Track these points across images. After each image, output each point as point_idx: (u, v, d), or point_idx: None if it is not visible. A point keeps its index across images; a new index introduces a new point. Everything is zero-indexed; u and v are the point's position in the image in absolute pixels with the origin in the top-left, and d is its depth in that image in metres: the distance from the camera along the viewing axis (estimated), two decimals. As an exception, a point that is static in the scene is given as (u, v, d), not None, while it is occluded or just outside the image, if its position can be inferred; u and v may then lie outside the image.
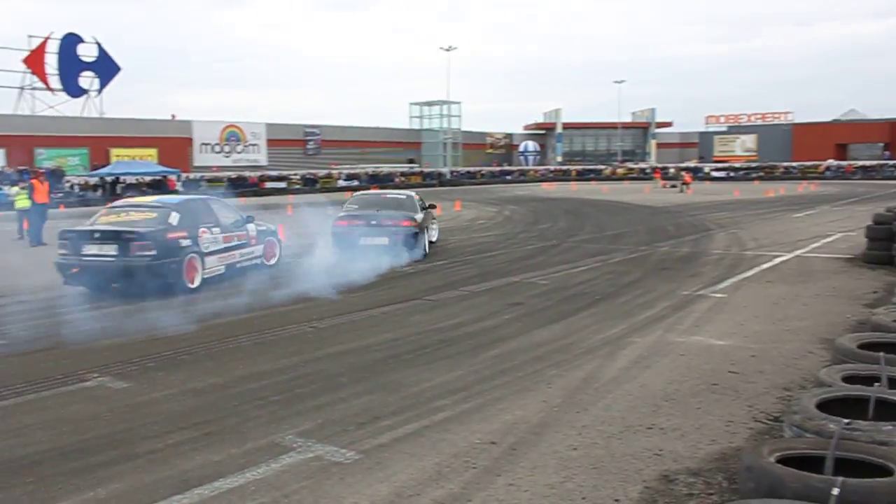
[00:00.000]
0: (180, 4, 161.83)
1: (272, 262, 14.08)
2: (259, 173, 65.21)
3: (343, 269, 12.74)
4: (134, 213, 11.75)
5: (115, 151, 59.05)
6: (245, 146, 71.40)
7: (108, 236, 10.94)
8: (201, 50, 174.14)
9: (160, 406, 5.88)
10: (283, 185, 61.18)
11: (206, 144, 68.76)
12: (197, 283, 11.37)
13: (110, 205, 12.82)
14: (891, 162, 74.63)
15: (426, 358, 7.21)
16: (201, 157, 67.86)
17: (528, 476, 4.41)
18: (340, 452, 4.82)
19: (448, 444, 4.94)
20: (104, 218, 11.67)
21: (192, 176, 61.01)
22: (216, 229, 12.13)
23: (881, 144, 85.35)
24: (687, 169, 66.29)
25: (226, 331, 8.53)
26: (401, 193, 16.86)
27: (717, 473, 4.40)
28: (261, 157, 72.30)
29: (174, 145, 64.79)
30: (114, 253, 10.75)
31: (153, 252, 10.73)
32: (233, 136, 70.54)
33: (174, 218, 11.37)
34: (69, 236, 11.18)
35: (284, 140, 73.85)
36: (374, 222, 14.54)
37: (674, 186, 53.30)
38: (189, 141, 67.21)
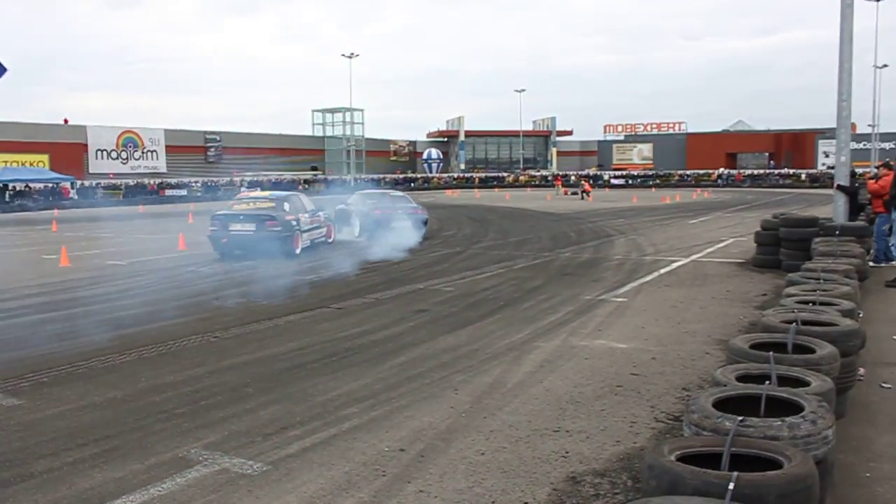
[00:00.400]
0: (69, 4, 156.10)
1: (330, 240, 18.82)
2: (159, 180, 63.40)
3: (250, 278, 12.54)
4: (258, 202, 16.92)
5: (1, 157, 56.38)
6: (143, 152, 69.31)
7: (249, 218, 16.03)
8: (94, 53, 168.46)
9: (56, 423, 5.65)
10: (183, 192, 59.69)
11: (102, 150, 66.48)
12: (299, 251, 16.31)
13: (238, 197, 18.80)
14: (776, 171, 78.08)
15: (333, 366, 7.16)
16: (97, 164, 65.56)
17: (437, 482, 4.44)
18: (248, 464, 4.74)
19: (357, 453, 4.92)
20: (237, 206, 16.84)
21: (87, 183, 58.83)
22: (306, 214, 17.27)
23: (767, 154, 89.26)
24: (586, 177, 67.84)
25: (128, 342, 8.27)
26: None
27: (621, 473, 4.52)
28: (160, 163, 70.32)
29: (67, 151, 62.36)
30: (252, 229, 15.76)
31: (279, 228, 15.79)
32: (130, 142, 68.37)
33: (286, 206, 16.53)
34: (219, 218, 16.16)
35: (184, 147, 72.05)
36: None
37: (574, 194, 54.45)
38: (84, 147, 64.85)
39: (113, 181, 61.02)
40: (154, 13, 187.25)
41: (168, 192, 59.35)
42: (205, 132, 75.56)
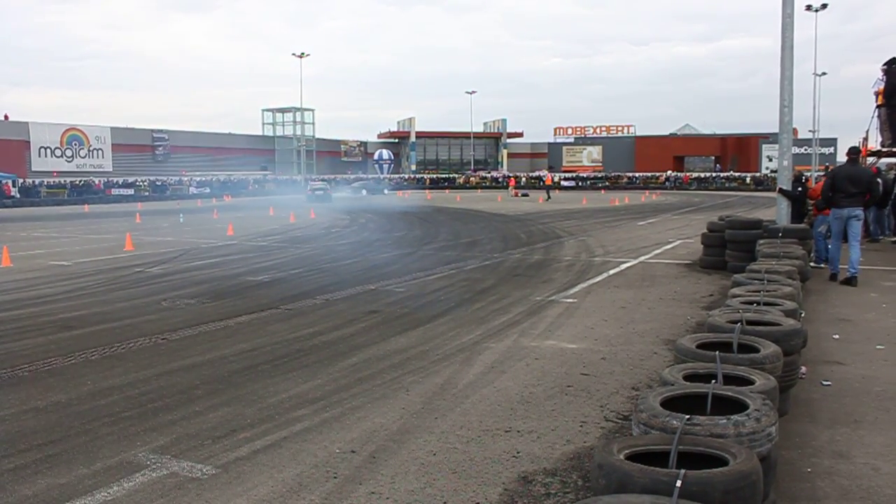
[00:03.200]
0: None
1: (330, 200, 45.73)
2: (105, 179, 62.15)
3: (199, 279, 12.38)
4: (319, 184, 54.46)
5: (-64, 154, 54.83)
6: (89, 150, 67.89)
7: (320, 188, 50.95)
8: (36, 48, 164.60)
9: (-3, 427, 5.53)
10: (130, 191, 58.66)
11: (46, 148, 65.00)
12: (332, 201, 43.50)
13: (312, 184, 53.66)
14: (722, 174, 79.55)
15: (284, 368, 7.11)
16: (40, 162, 64.09)
17: (389, 483, 4.44)
18: (197, 468, 4.68)
19: (308, 455, 4.89)
20: (313, 185, 53.91)
21: (29, 181, 57.45)
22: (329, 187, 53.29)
23: (713, 157, 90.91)
24: (550, 167, 68.63)
25: (72, 345, 8.10)
26: None
27: (572, 472, 4.57)
28: (106, 162, 69.00)
29: (8, 148, 60.88)
30: (323, 189, 50.74)
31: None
32: (75, 140, 66.93)
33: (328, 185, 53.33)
34: (311, 185, 52.24)
35: (131, 145, 70.82)
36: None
37: (525, 195, 54.80)
38: (26, 144, 63.36)
39: (57, 180, 59.69)
40: (99, 9, 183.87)
41: (114, 192, 58.28)
42: (152, 130, 74.39)
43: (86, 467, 4.71)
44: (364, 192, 60.87)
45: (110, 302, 10.73)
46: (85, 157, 67.72)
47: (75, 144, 67.12)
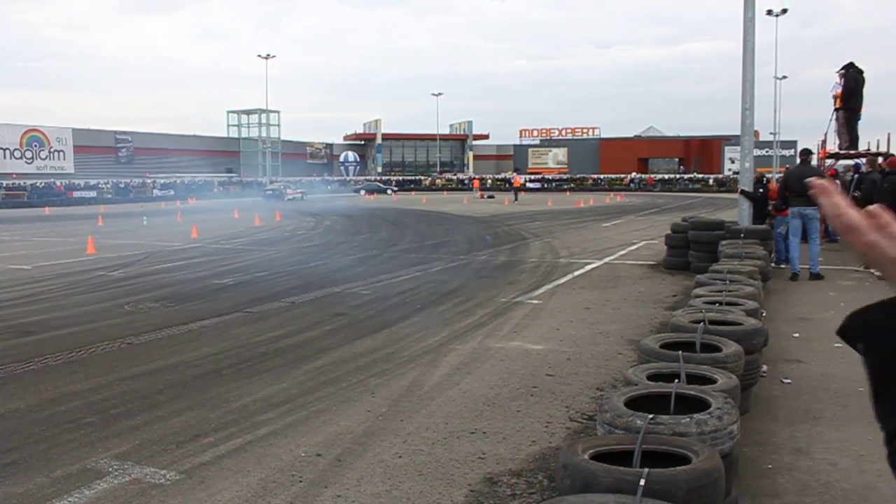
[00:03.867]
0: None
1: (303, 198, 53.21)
2: (66, 181, 61.18)
3: (163, 283, 12.25)
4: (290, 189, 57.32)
5: None
6: (50, 152, 66.73)
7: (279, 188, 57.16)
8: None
9: (-47, 435, 5.41)
10: (93, 194, 57.82)
11: (5, 149, 63.78)
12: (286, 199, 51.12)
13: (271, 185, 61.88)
14: (686, 176, 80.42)
15: (248, 371, 7.05)
16: (-1, 163, 62.89)
17: (355, 486, 4.42)
18: (160, 473, 4.63)
19: (273, 459, 4.86)
20: (272, 185, 61.65)
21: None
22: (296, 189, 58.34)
23: (677, 159, 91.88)
24: (517, 169, 69.12)
25: (32, 350, 7.95)
26: None
27: (538, 473, 4.59)
28: (67, 164, 67.87)
29: (-35, 150, 59.68)
30: (298, 197, 54.61)
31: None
32: (35, 141, 65.73)
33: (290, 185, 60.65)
34: (270, 189, 57.90)
35: (94, 147, 69.76)
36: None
37: (491, 197, 54.97)
38: (-17, 145, 62.16)
39: (16, 182, 58.66)
40: (60, 9, 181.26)
41: (76, 194, 57.41)
42: (115, 132, 73.43)
43: (45, 475, 4.64)
44: (363, 192, 68.71)
45: (71, 306, 10.57)
46: (45, 158, 66.56)
47: (35, 146, 65.94)
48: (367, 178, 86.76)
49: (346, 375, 6.87)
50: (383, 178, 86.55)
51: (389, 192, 70.10)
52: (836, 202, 0.99)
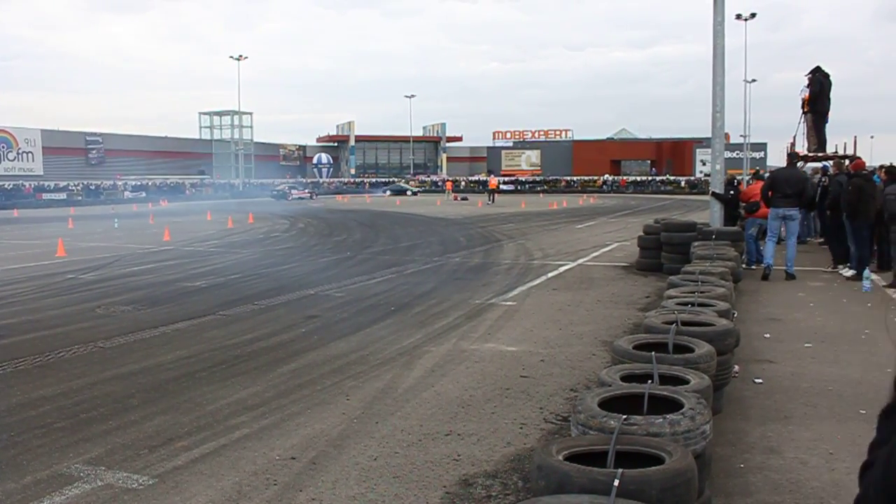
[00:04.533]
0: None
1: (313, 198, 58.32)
2: (35, 183, 60.34)
3: (135, 285, 12.14)
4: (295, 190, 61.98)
5: None
6: (18, 154, 65.76)
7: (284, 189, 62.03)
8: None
9: (-79, 441, 5.32)
10: (63, 196, 57.11)
11: (-29, 151, 62.77)
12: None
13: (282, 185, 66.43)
14: (658, 177, 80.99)
15: (222, 374, 7.01)
16: (-36, 165, 61.89)
17: (330, 489, 4.41)
18: (133, 478, 4.58)
19: (247, 462, 4.84)
20: (281, 185, 65.42)
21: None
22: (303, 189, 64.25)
23: (649, 161, 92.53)
24: (490, 172, 69.34)
25: (1, 354, 7.83)
26: None
27: (513, 474, 4.61)
28: (36, 165, 66.86)
29: (-70, 151, 58.67)
30: (306, 197, 59.30)
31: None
32: (3, 143, 64.74)
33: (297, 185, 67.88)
34: (277, 190, 62.00)
35: (63, 148, 68.83)
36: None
37: (465, 199, 55.00)
38: (-51, 146, 61.16)
39: (-17, 183, 57.82)
40: (28, 8, 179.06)
41: (45, 196, 56.68)
42: (85, 133, 72.57)
43: (14, 481, 4.57)
44: (387, 192, 70.07)
45: (42, 309, 10.45)
46: (14, 160, 65.57)
47: (3, 147, 64.93)
48: (341, 179, 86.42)
49: (321, 378, 6.84)
50: (356, 179, 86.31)
51: (409, 193, 71.21)
52: None
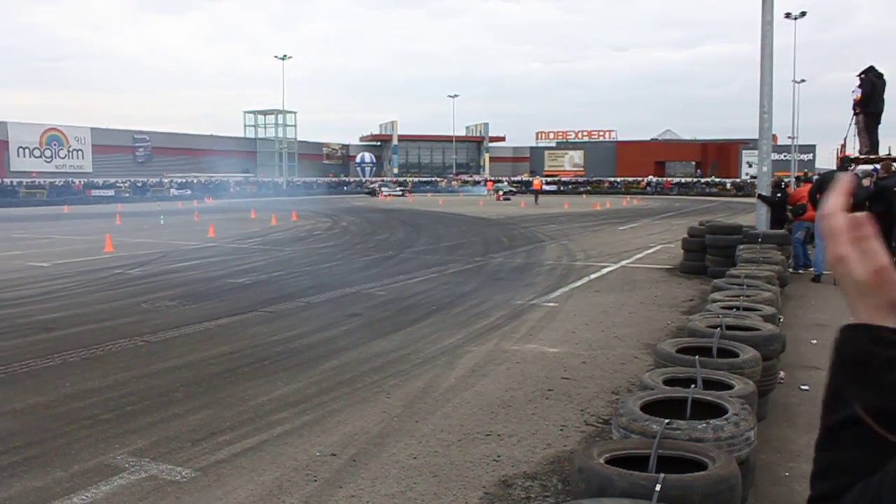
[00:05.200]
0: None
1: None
2: (84, 180, 61.56)
3: (180, 281, 12.31)
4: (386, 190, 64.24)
5: (-85, 153, 54.05)
6: (69, 151, 67.23)
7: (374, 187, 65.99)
8: (16, 48, 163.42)
9: (-27, 430, 5.46)
10: (110, 192, 58.18)
11: (25, 148, 64.29)
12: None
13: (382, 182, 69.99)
14: (703, 179, 80.00)
15: (264, 371, 7.08)
16: (19, 162, 63.39)
17: (369, 487, 4.43)
18: (176, 470, 4.65)
19: (288, 458, 4.88)
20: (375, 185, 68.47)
21: (8, 182, 56.83)
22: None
23: (694, 163, 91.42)
24: (532, 173, 69.03)
25: (51, 347, 8.02)
26: None
27: (552, 476, 4.58)
28: (86, 163, 68.31)
29: (-14, 148, 60.14)
30: (398, 194, 61.64)
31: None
32: (54, 141, 66.23)
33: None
34: (369, 188, 67.08)
35: (112, 146, 70.19)
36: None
37: (507, 199, 54.86)
38: (4, 144, 62.66)
39: (36, 180, 59.09)
40: (79, 10, 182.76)
41: (94, 193, 57.72)
42: (133, 132, 73.86)
43: (63, 470, 4.67)
44: (500, 192, 68.68)
45: (89, 304, 10.65)
46: (65, 157, 67.05)
47: (55, 145, 66.45)
48: (384, 179, 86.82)
49: (362, 376, 6.88)
50: (399, 179, 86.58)
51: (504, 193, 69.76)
52: (831, 203, 0.86)
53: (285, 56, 71.48)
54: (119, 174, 66.27)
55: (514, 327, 9.09)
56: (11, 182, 57.00)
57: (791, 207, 14.50)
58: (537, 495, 4.31)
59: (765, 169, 14.16)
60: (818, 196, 12.45)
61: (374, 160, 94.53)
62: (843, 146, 19.45)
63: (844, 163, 13.06)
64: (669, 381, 4.25)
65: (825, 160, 70.95)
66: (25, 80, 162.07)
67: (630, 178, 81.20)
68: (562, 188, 79.52)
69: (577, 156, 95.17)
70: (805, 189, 14.49)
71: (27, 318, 9.66)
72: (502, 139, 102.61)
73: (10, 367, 7.20)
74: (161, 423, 5.59)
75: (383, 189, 62.81)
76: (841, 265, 0.85)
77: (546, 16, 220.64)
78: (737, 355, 4.78)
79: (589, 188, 78.34)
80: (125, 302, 10.85)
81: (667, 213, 37.64)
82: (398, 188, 65.03)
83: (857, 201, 13.18)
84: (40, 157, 65.33)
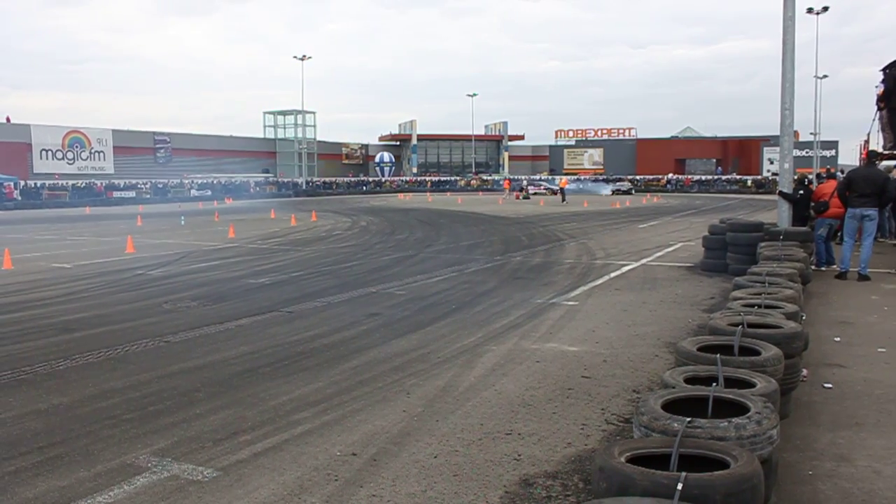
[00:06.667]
0: (10, 0, 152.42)
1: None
2: (106, 182, 62.15)
3: (200, 282, 12.39)
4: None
5: (-62, 156, 54.82)
6: (90, 153, 67.89)
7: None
8: (38, 51, 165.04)
9: (-2, 430, 5.52)
10: (132, 194, 58.69)
11: (47, 150, 65.00)
12: None
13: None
14: (723, 177, 79.49)
15: (284, 370, 7.10)
16: (42, 164, 64.09)
17: (390, 486, 4.43)
18: (198, 470, 4.68)
19: (309, 458, 4.89)
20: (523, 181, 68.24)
21: (31, 184, 57.45)
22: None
23: (714, 160, 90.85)
24: (552, 171, 69.40)
25: (73, 347, 8.10)
26: None
27: (573, 475, 4.56)
28: (107, 164, 68.96)
29: (9, 151, 60.91)
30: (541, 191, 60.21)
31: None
32: (76, 143, 66.90)
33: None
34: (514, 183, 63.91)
35: (133, 148, 70.82)
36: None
37: (527, 198, 54.87)
38: (27, 146, 63.35)
39: (58, 182, 59.69)
40: (99, 12, 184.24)
41: (116, 194, 58.28)
42: (154, 133, 74.43)
43: (86, 470, 4.71)
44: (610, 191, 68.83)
45: (111, 304, 10.75)
46: (86, 159, 67.70)
47: (77, 147, 67.10)
48: (403, 178, 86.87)
49: (382, 375, 6.89)
50: (418, 178, 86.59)
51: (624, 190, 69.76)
52: None
53: (304, 56, 71.76)
54: (140, 175, 66.83)
55: (534, 326, 9.07)
56: (35, 184, 57.59)
57: (813, 204, 14.37)
58: (558, 494, 4.29)
59: (786, 166, 14.02)
60: (847, 194, 12.30)
61: (394, 160, 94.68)
62: (867, 142, 19.28)
63: (871, 157, 12.90)
64: (691, 380, 4.22)
65: (848, 156, 70.27)
66: (48, 83, 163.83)
67: (650, 176, 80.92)
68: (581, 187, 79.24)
69: (596, 154, 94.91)
70: (827, 186, 14.36)
71: (50, 318, 9.76)
72: (521, 138, 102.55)
73: (33, 367, 7.27)
74: (182, 423, 5.62)
75: (529, 187, 64.22)
76: None
77: (563, 13, 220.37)
78: (759, 353, 4.73)
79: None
80: (147, 302, 10.93)
81: (687, 210, 37.45)
82: (542, 186, 66.34)
83: (889, 196, 13.03)
84: (63, 159, 65.98)
